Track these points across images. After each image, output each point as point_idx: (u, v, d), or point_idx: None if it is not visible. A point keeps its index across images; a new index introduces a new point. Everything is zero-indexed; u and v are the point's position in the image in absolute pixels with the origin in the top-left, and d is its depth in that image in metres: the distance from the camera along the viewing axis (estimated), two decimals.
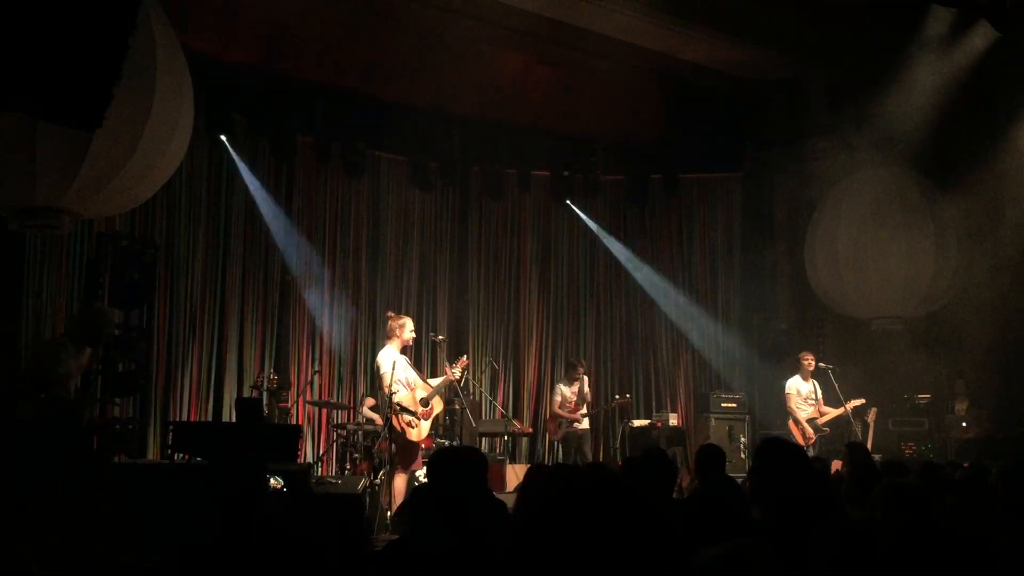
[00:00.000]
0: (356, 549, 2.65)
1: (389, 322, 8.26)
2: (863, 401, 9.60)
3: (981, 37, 9.18)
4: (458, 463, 3.34)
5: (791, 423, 9.75)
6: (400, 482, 7.72)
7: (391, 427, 7.80)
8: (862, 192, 10.32)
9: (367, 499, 7.74)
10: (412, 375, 8.06)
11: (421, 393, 8.01)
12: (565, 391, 10.36)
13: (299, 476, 6.55)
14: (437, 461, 3.43)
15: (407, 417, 7.83)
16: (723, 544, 2.36)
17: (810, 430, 9.59)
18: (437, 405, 8.22)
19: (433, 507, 3.25)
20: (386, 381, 7.82)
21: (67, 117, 4.66)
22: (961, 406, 10.26)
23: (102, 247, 8.19)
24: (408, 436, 7.82)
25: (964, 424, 10.05)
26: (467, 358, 8.85)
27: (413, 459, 7.89)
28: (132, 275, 8.19)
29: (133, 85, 5.39)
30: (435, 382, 8.29)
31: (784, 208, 11.77)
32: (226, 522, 3.05)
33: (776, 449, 3.56)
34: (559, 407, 10.34)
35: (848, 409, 9.45)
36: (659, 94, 11.91)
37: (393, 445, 7.89)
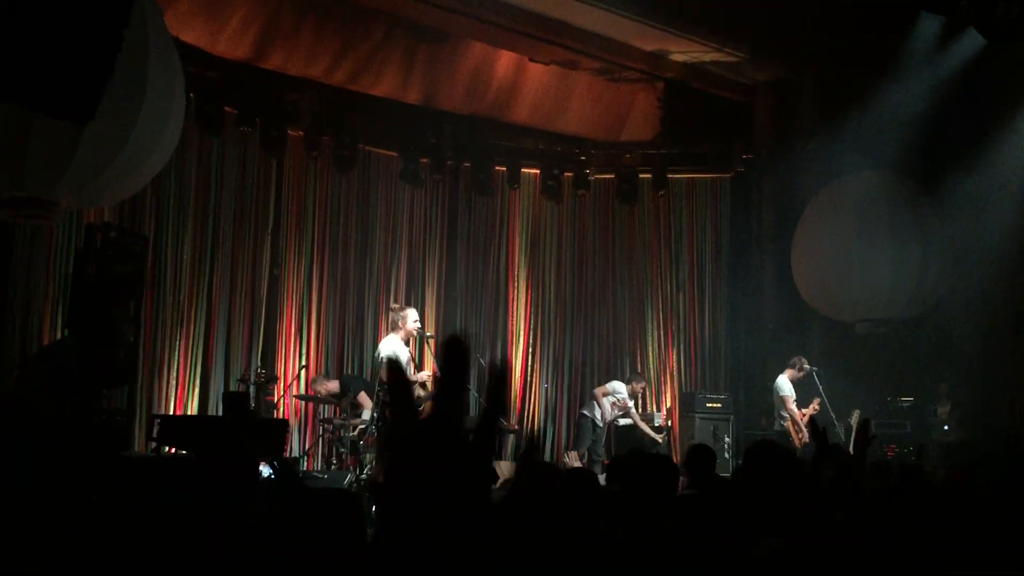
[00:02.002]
0: (352, 543, 2.67)
1: (392, 313, 8.30)
2: (816, 409, 9.73)
3: (969, 44, 9.26)
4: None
5: (790, 424, 9.81)
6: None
7: (383, 423, 7.78)
8: (849, 195, 10.39)
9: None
10: (411, 370, 8.10)
11: (420, 392, 8.02)
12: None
13: (289, 467, 6.55)
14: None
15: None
16: (779, 537, 2.40)
17: (805, 432, 9.69)
18: (428, 407, 8.23)
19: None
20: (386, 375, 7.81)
21: (60, 109, 4.66)
22: (944, 409, 10.35)
23: (90, 238, 8.18)
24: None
25: (946, 427, 10.14)
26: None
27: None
28: (120, 266, 8.18)
29: (125, 78, 5.38)
30: (422, 375, 8.26)
31: (772, 209, 11.83)
32: (218, 514, 3.06)
33: (767, 453, 3.61)
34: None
35: (807, 414, 9.65)
36: (649, 94, 11.96)
37: (380, 440, 7.88)
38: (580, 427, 10.93)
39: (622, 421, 11.23)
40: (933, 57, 9.49)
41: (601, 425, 10.80)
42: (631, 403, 10.86)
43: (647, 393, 12.05)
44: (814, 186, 10.74)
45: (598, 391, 10.94)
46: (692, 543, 2.97)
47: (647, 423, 11.07)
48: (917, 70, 9.59)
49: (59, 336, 8.07)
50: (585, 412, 10.91)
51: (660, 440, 10.83)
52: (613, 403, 10.85)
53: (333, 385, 9.69)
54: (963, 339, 9.83)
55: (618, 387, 10.92)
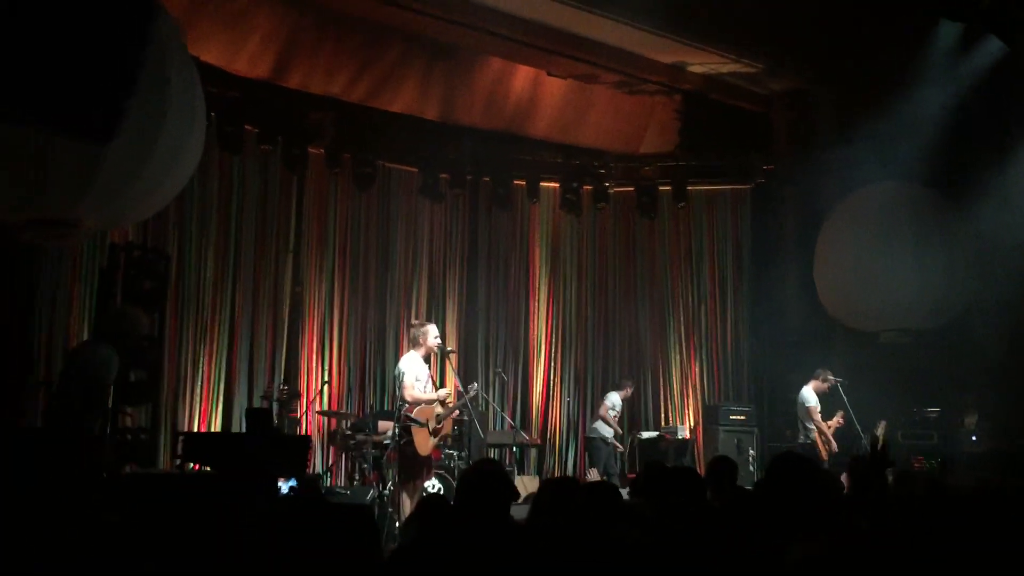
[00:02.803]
0: (366, 558, 2.67)
1: (412, 330, 8.31)
2: (840, 422, 9.72)
3: (989, 50, 9.19)
4: (488, 486, 3.41)
5: (816, 436, 9.73)
6: (409, 494, 7.72)
7: (403, 439, 7.77)
8: (871, 204, 10.32)
9: (375, 510, 7.75)
10: (430, 387, 8.09)
11: (439, 410, 8.03)
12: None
13: (310, 483, 6.57)
14: (470, 478, 3.50)
15: (417, 428, 7.82)
16: (816, 542, 2.39)
17: (833, 443, 9.66)
18: (447, 424, 8.24)
19: (444, 519, 3.28)
20: (407, 392, 7.83)
21: (80, 130, 4.71)
22: (971, 419, 10.22)
23: (114, 257, 8.26)
24: (417, 450, 7.79)
25: (974, 438, 10.01)
26: (476, 385, 8.89)
27: (420, 472, 7.90)
28: (144, 285, 8.26)
29: (146, 98, 5.43)
30: (442, 393, 8.23)
31: (793, 220, 11.77)
32: (239, 529, 3.07)
33: (791, 464, 3.60)
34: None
35: (831, 426, 9.63)
36: (668, 106, 11.95)
37: (400, 457, 7.87)
38: (590, 446, 11.05)
39: (644, 435, 11.25)
40: (953, 64, 9.42)
41: (611, 440, 10.91)
42: (613, 412, 11.08)
43: (671, 406, 12.03)
44: (836, 196, 10.67)
45: (600, 410, 11.14)
46: (711, 551, 2.96)
47: (671, 435, 11.15)
48: (937, 77, 9.52)
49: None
50: (592, 432, 11.09)
51: (619, 447, 11.22)
52: (615, 416, 11.06)
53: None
54: (990, 348, 9.70)
55: (614, 399, 11.20)
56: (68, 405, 5.88)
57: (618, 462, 11.16)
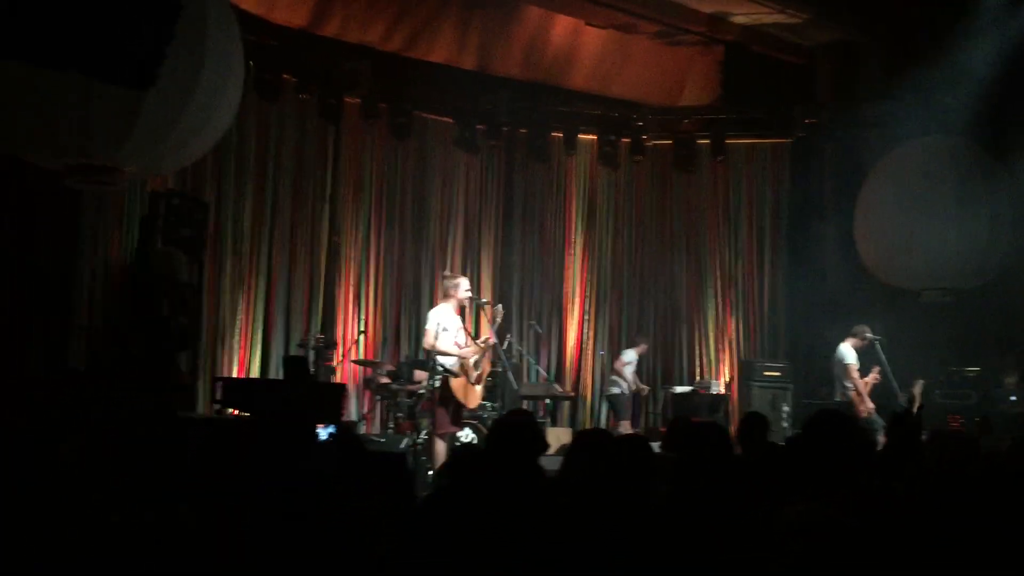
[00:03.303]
0: (400, 503, 2.72)
1: (445, 281, 8.30)
2: (877, 378, 9.49)
3: None
4: (517, 436, 3.48)
5: (854, 394, 9.57)
6: (441, 444, 7.79)
7: (445, 389, 7.83)
8: (914, 160, 10.13)
9: (409, 458, 7.84)
10: (462, 338, 8.07)
11: (474, 358, 8.01)
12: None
13: (347, 430, 6.67)
14: (500, 429, 3.56)
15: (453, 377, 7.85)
16: (804, 504, 2.38)
17: (869, 403, 9.50)
18: (486, 367, 8.25)
19: (476, 468, 3.32)
20: (427, 340, 7.88)
21: (121, 75, 4.74)
22: (1011, 380, 10.10)
23: (154, 205, 8.35)
24: (456, 396, 7.83)
25: (1013, 398, 9.90)
26: (501, 309, 8.83)
27: (456, 421, 7.96)
28: (183, 232, 8.36)
29: (184, 43, 5.44)
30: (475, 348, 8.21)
31: (834, 175, 11.59)
32: (275, 474, 3.13)
33: (828, 421, 3.60)
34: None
35: (868, 383, 9.41)
36: (708, 58, 11.75)
37: (437, 405, 7.93)
38: (613, 402, 11.08)
39: (678, 389, 11.28)
40: (1001, 17, 9.16)
41: (628, 394, 11.01)
42: (630, 367, 11.07)
43: (705, 361, 12.02)
44: (878, 151, 10.48)
45: (617, 365, 11.16)
46: (732, 507, 2.96)
47: (705, 390, 11.17)
48: (986, 31, 9.27)
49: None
50: (613, 388, 11.12)
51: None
52: (632, 370, 11.08)
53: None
54: None
55: (630, 355, 11.20)
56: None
57: (640, 409, 11.31)
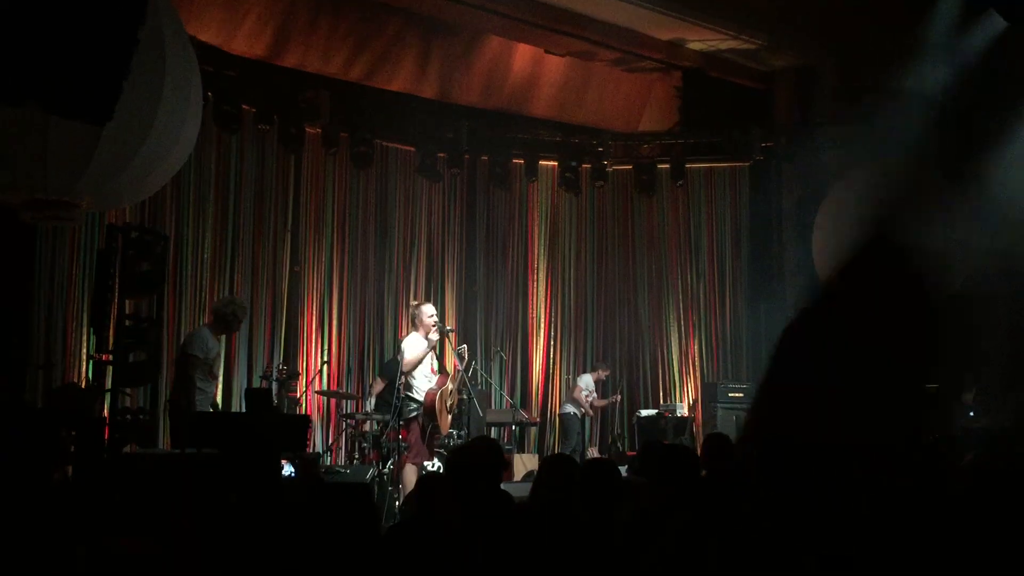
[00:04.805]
0: (364, 535, 2.69)
1: (411, 310, 8.39)
2: None
3: (990, 27, 9.14)
4: (477, 460, 3.46)
5: None
6: (410, 473, 7.76)
7: (426, 416, 7.85)
8: (870, 182, 10.28)
9: (375, 488, 7.78)
10: (436, 366, 8.18)
11: (448, 400, 8.11)
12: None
13: (310, 463, 6.60)
14: (456, 459, 3.54)
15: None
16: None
17: None
18: (455, 395, 8.32)
19: (444, 495, 3.31)
20: (407, 368, 7.88)
21: (77, 110, 4.68)
22: (968, 396, 10.25)
23: (112, 238, 8.23)
24: (437, 422, 7.89)
25: (972, 414, 10.05)
26: (465, 348, 8.89)
27: (425, 452, 7.96)
28: (142, 266, 8.24)
29: (143, 77, 5.40)
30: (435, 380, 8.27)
31: (792, 197, 11.75)
32: (240, 509, 3.09)
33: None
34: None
35: None
36: (667, 83, 11.92)
37: (406, 435, 7.92)
38: (564, 424, 11.12)
39: (643, 412, 11.32)
40: (954, 41, 9.37)
41: (578, 417, 11.14)
42: (585, 392, 11.21)
43: (670, 384, 12.08)
44: (835, 173, 10.65)
45: (574, 391, 11.28)
46: (701, 527, 2.97)
47: (670, 413, 11.21)
48: (938, 55, 9.47)
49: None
50: (566, 411, 11.23)
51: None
52: (587, 396, 11.19)
53: (379, 386, 9.85)
54: (988, 324, 9.71)
55: (587, 380, 11.34)
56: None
57: (587, 432, 11.42)
